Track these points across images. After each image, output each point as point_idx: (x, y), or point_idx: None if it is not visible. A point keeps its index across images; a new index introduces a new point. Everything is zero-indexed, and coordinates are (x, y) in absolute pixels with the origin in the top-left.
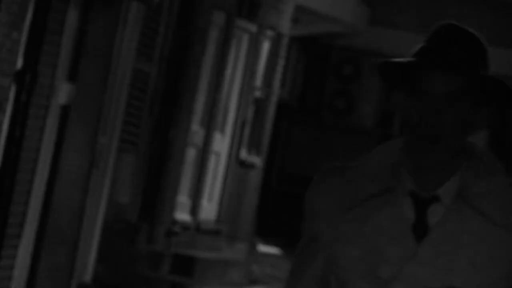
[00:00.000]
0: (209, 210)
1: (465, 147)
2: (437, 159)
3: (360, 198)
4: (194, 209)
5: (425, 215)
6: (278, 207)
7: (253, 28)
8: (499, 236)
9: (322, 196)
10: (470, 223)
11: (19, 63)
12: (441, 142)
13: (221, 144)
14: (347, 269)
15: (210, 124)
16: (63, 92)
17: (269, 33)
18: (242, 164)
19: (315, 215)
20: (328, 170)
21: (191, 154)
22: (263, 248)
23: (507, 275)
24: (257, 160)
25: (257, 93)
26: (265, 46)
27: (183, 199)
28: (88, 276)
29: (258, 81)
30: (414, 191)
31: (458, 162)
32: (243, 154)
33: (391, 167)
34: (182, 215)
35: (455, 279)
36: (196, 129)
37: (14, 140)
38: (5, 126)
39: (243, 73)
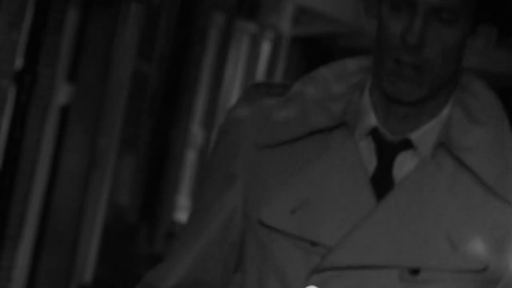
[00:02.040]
0: None
1: (456, 79)
2: (420, 95)
3: (298, 132)
4: None
5: (390, 165)
6: None
7: (253, 28)
8: (491, 206)
9: (246, 124)
10: (453, 183)
11: (19, 63)
12: (426, 72)
13: None
14: (272, 227)
15: (210, 124)
16: (62, 93)
17: (270, 33)
18: None
19: (234, 150)
20: (258, 89)
21: (191, 154)
22: None
23: (495, 263)
24: None
25: None
26: (266, 47)
27: (183, 200)
28: (88, 277)
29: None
30: (379, 130)
31: (443, 99)
32: None
33: (348, 94)
34: (182, 216)
35: (422, 257)
36: (196, 130)
37: (14, 140)
38: (5, 127)
39: (243, 74)
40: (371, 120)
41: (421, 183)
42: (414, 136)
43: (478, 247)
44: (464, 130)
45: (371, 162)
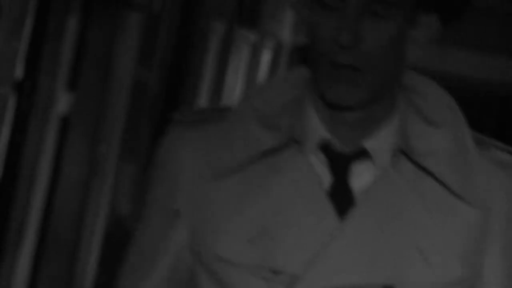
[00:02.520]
0: None
1: (401, 77)
2: (360, 98)
3: (244, 157)
4: None
5: (346, 179)
6: None
7: (253, 37)
8: (458, 211)
9: (185, 155)
10: (417, 191)
11: (19, 71)
12: (366, 72)
13: None
14: (228, 260)
15: None
16: (62, 101)
17: (270, 42)
18: None
19: (174, 185)
20: (193, 116)
21: None
22: None
23: (470, 269)
24: None
25: None
26: (266, 55)
27: None
28: (88, 284)
29: None
30: (329, 142)
31: (390, 102)
32: None
33: (292, 108)
34: None
35: (394, 274)
36: None
37: (14, 148)
38: (5, 135)
39: (244, 82)
40: (320, 132)
41: (384, 195)
42: (368, 144)
43: (450, 257)
44: (422, 134)
45: (325, 178)
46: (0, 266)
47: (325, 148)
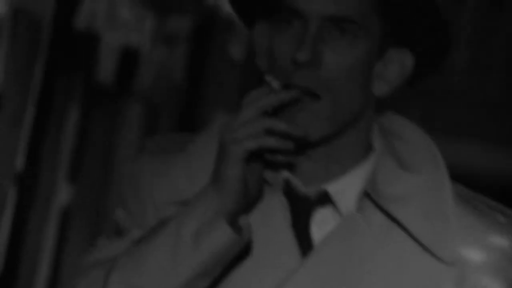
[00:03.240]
0: None
1: (370, 116)
2: (317, 127)
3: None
4: None
5: (307, 226)
6: None
7: None
8: (428, 267)
9: (156, 178)
10: (383, 243)
11: (19, 163)
12: (325, 102)
13: None
14: None
15: None
16: (63, 192)
17: None
18: None
19: (143, 207)
20: (167, 141)
21: None
22: None
23: None
24: None
25: None
26: None
27: None
28: None
29: None
30: (290, 183)
31: (363, 144)
32: None
33: None
34: None
35: None
36: None
37: (15, 240)
38: (6, 227)
39: None
40: (284, 174)
41: (346, 245)
42: (332, 188)
43: None
44: (392, 176)
45: (285, 223)
46: None
47: (286, 190)
